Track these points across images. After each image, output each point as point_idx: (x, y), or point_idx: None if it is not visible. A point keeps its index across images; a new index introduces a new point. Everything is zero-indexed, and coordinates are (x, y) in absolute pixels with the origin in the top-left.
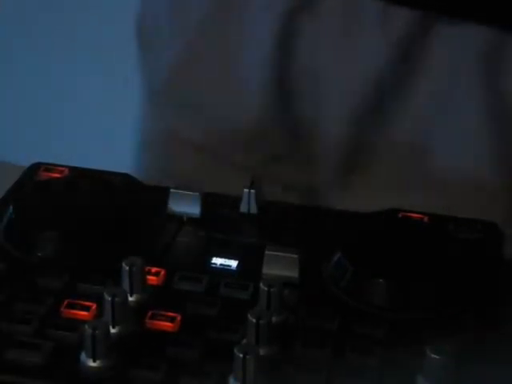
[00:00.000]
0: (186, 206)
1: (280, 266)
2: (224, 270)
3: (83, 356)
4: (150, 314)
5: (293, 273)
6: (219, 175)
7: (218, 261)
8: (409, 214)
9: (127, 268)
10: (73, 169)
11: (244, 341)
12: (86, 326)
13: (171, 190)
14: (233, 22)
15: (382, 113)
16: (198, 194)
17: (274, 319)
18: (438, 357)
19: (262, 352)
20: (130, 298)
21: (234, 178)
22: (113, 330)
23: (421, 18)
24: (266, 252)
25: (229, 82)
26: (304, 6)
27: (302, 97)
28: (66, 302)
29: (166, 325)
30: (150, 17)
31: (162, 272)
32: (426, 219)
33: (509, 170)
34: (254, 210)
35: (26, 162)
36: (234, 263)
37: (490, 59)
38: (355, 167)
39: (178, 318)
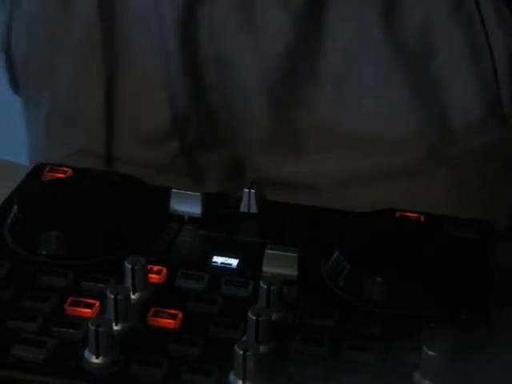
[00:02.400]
0: (187, 205)
1: (279, 264)
2: (225, 268)
3: (87, 352)
4: (152, 311)
5: (292, 271)
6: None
7: (218, 259)
8: (406, 214)
9: (130, 266)
10: (76, 169)
11: (244, 338)
12: (90, 324)
13: (173, 190)
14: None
15: (297, 88)
16: (199, 194)
17: (273, 316)
18: (434, 353)
19: (261, 349)
20: (133, 296)
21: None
22: (116, 327)
23: None
24: (266, 251)
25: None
26: None
27: (212, 85)
28: (69, 300)
29: (168, 322)
30: (18, 40)
31: (164, 270)
32: (422, 218)
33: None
34: (254, 209)
35: (31, 162)
36: (234, 262)
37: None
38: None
39: (180, 315)
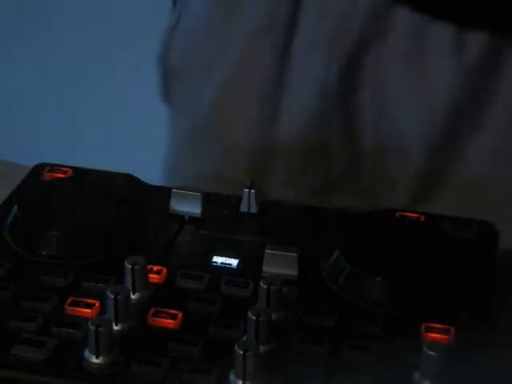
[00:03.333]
0: (187, 205)
1: (279, 264)
2: (225, 268)
3: (87, 353)
4: (152, 311)
5: (292, 271)
6: None
7: (218, 259)
8: (406, 214)
9: (130, 266)
10: (77, 169)
11: (244, 338)
12: (90, 324)
13: (173, 190)
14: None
15: (456, 143)
16: (199, 193)
17: (273, 316)
18: (434, 353)
19: (261, 349)
20: (133, 296)
21: None
22: (116, 327)
23: (493, 41)
24: (266, 251)
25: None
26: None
27: (368, 127)
28: (69, 300)
29: (168, 322)
30: (177, 51)
31: (164, 270)
32: (422, 218)
33: None
34: (254, 209)
35: (31, 162)
36: (234, 262)
37: None
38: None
39: (180, 315)
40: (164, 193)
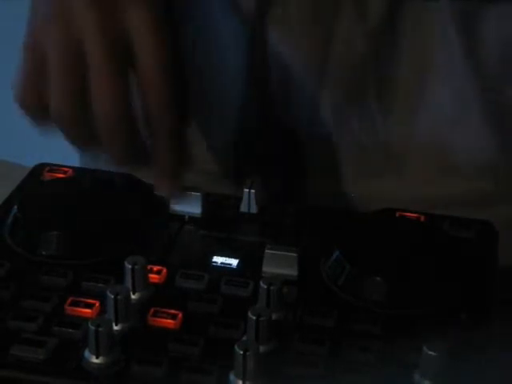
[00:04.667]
0: (187, 205)
1: (279, 264)
2: (225, 268)
3: (87, 352)
4: (152, 311)
5: (292, 271)
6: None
7: (218, 259)
8: (405, 214)
9: (130, 266)
10: (76, 169)
11: (244, 338)
12: (90, 323)
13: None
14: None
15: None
16: (199, 194)
17: (273, 316)
18: (434, 353)
19: (261, 349)
20: (133, 296)
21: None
22: (116, 327)
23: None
24: (266, 251)
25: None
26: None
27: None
28: (69, 300)
29: (168, 322)
30: None
31: (164, 270)
32: (422, 218)
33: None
34: (254, 209)
35: (31, 162)
36: (234, 262)
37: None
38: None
39: (180, 315)
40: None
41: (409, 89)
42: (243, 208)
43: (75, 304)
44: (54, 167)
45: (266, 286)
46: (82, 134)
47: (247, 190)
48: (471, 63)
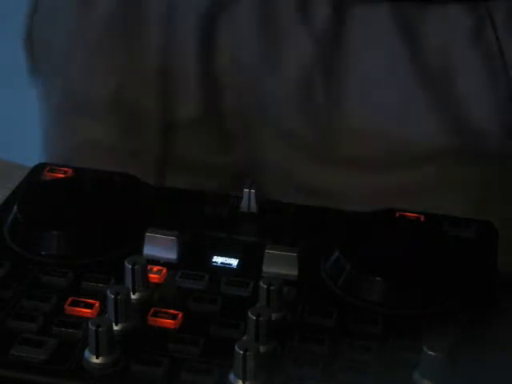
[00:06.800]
0: (162, 250)
1: (279, 264)
2: (225, 268)
3: (87, 352)
4: (152, 311)
5: (292, 271)
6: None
7: (218, 259)
8: (405, 214)
9: (130, 266)
10: (76, 169)
11: (244, 337)
12: (90, 323)
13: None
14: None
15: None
16: (174, 238)
17: (273, 316)
18: (434, 353)
19: (261, 349)
20: (133, 296)
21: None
22: (116, 327)
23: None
24: (266, 251)
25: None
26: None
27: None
28: (69, 300)
29: (168, 322)
30: (40, 29)
31: (164, 270)
32: (422, 218)
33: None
34: (254, 209)
35: (31, 162)
36: (234, 262)
37: (406, 29)
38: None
39: (180, 315)
40: (164, 193)
41: (354, 89)
42: (243, 208)
43: (75, 304)
44: (54, 167)
45: (266, 286)
46: None
47: (247, 190)
48: (414, 61)
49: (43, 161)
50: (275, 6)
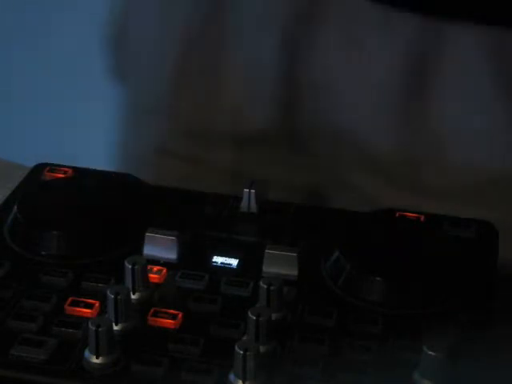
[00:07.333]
0: (162, 250)
1: (279, 264)
2: (225, 268)
3: (87, 353)
4: (152, 311)
5: (292, 271)
6: (211, 184)
7: (218, 259)
8: (405, 214)
9: (129, 266)
10: (76, 169)
11: (244, 337)
12: (90, 323)
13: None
14: (226, 34)
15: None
16: (174, 238)
17: (273, 316)
18: (434, 353)
19: (261, 349)
20: (133, 296)
21: (227, 185)
22: (116, 327)
23: (426, 22)
24: (266, 251)
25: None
26: (305, 17)
27: (305, 108)
28: (69, 300)
29: (168, 322)
30: (125, 28)
31: (164, 270)
32: (422, 219)
33: None
34: (254, 209)
35: (31, 162)
36: (234, 261)
37: (498, 57)
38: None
39: (180, 315)
40: (164, 193)
41: (441, 114)
42: (243, 208)
43: (75, 304)
44: (54, 167)
45: (266, 286)
46: None
47: (247, 190)
48: (504, 87)
49: (110, 166)
50: (360, 26)
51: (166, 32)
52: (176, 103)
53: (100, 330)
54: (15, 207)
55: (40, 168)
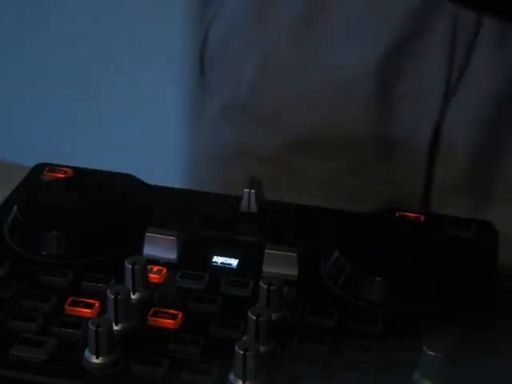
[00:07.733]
0: (162, 250)
1: (279, 264)
2: (225, 268)
3: (87, 353)
4: (152, 311)
5: (292, 271)
6: (294, 188)
7: (218, 259)
8: (405, 214)
9: (130, 266)
10: (76, 169)
11: (244, 337)
12: (90, 323)
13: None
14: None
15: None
16: (174, 238)
17: (273, 316)
18: (434, 353)
19: (261, 349)
20: (133, 296)
21: (312, 190)
22: (116, 327)
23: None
24: (266, 251)
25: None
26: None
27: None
28: (69, 300)
29: (168, 322)
30: (216, 31)
31: (164, 270)
32: (422, 218)
33: None
34: (254, 209)
35: (31, 162)
36: (234, 262)
37: None
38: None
39: (180, 315)
40: (164, 193)
41: None
42: (243, 208)
43: (75, 304)
44: (54, 167)
45: (266, 286)
46: None
47: (247, 190)
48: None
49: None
50: (466, 36)
51: (256, 32)
52: (264, 104)
53: (100, 329)
54: (15, 207)
55: (40, 168)
